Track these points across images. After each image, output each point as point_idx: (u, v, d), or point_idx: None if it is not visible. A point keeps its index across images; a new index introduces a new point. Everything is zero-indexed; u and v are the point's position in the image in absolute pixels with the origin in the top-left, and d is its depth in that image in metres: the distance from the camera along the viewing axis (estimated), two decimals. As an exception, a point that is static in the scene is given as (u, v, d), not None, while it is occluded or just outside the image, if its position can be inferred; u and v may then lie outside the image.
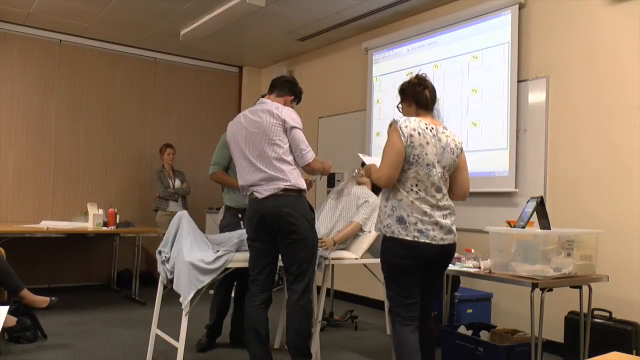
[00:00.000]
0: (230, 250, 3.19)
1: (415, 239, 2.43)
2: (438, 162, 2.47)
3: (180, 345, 3.04)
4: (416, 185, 2.45)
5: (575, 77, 3.92)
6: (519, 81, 4.23)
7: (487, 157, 4.41)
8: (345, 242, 3.71)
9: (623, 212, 3.58)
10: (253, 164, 2.89)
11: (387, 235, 2.49)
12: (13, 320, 3.64)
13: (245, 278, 3.82)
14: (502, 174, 4.31)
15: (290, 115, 2.92)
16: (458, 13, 4.72)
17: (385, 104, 5.42)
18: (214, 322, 3.81)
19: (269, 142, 2.87)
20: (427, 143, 2.44)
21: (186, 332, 3.05)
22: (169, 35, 6.03)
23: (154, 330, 3.40)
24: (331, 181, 5.99)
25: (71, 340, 3.91)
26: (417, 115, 2.54)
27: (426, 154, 2.43)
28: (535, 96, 4.16)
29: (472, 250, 3.33)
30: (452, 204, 2.56)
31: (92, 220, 5.23)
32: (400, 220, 2.45)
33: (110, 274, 6.29)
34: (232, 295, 3.86)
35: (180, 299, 3.01)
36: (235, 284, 3.78)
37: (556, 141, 4.01)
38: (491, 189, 4.34)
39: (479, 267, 3.06)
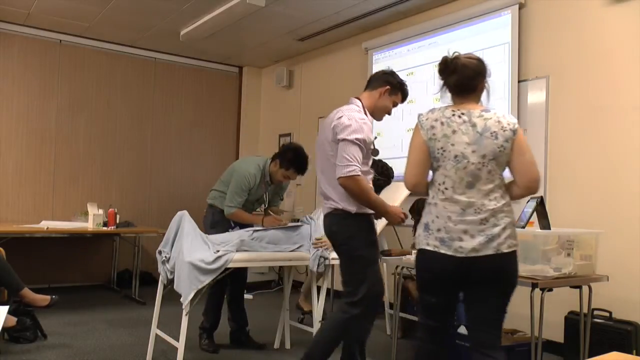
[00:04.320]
0: (231, 250, 3.19)
1: (435, 249, 2.09)
2: (473, 151, 2.08)
3: (180, 345, 3.04)
4: (443, 183, 2.12)
5: (575, 77, 3.92)
6: (519, 81, 4.23)
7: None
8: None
9: (623, 212, 3.57)
10: (319, 178, 2.80)
11: (417, 247, 2.21)
12: (13, 320, 3.64)
13: (239, 279, 3.84)
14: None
15: (345, 124, 2.62)
16: (458, 13, 4.72)
17: (385, 104, 5.41)
18: (212, 323, 3.81)
19: (326, 155, 2.71)
20: (454, 132, 2.10)
21: (186, 332, 3.05)
22: (169, 35, 6.03)
23: (154, 330, 3.40)
24: (331, 181, 5.98)
25: (71, 340, 3.91)
26: (455, 103, 2.19)
27: (452, 145, 2.09)
28: (535, 96, 4.15)
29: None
30: (501, 203, 2.10)
31: (92, 220, 5.24)
32: (426, 227, 2.15)
33: (110, 274, 6.29)
34: (225, 295, 3.86)
35: (181, 299, 3.01)
36: (228, 283, 3.76)
37: (556, 141, 4.01)
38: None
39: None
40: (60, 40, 6.17)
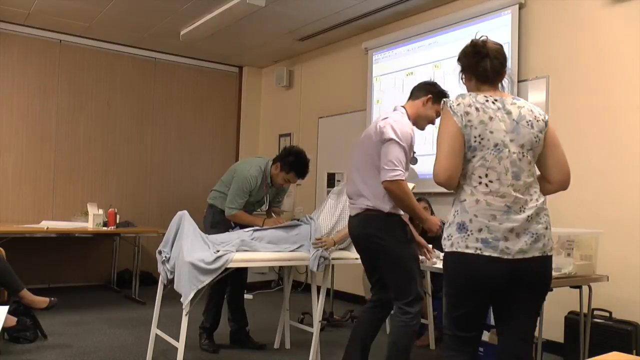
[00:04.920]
0: (231, 250, 3.19)
1: (478, 251, 1.88)
2: (512, 140, 1.92)
3: (180, 345, 3.04)
4: (485, 175, 1.91)
5: (575, 77, 3.92)
6: (519, 81, 4.23)
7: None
8: (345, 242, 3.71)
9: (623, 212, 3.57)
10: (353, 176, 2.80)
11: (447, 250, 1.98)
12: (13, 320, 3.64)
13: (239, 279, 3.85)
14: (502, 174, 4.30)
15: (392, 127, 2.60)
16: (458, 13, 4.72)
17: (385, 104, 5.42)
18: (212, 323, 3.81)
19: (367, 153, 2.71)
20: (491, 118, 1.92)
21: (186, 332, 3.05)
22: (169, 35, 6.03)
23: (154, 330, 3.40)
24: (331, 181, 5.99)
25: (71, 340, 3.91)
26: (479, 90, 2.03)
27: (491, 132, 1.91)
28: (535, 96, 4.15)
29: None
30: (542, 199, 1.99)
31: (92, 220, 5.24)
32: (461, 228, 1.92)
33: (110, 274, 6.29)
34: (225, 295, 3.86)
35: (181, 299, 3.01)
36: (228, 283, 3.77)
37: (556, 141, 4.00)
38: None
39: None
40: (60, 40, 6.17)
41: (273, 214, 3.98)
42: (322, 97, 6.33)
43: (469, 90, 2.09)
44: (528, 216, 1.90)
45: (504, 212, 1.89)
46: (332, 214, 3.73)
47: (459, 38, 4.71)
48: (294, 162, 3.65)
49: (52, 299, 3.89)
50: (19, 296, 3.80)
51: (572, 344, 3.40)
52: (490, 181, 1.91)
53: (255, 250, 3.35)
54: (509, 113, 1.96)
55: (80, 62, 6.29)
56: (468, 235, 1.91)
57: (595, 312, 3.34)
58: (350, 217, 2.88)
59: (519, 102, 2.02)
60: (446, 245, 1.99)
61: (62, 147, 6.17)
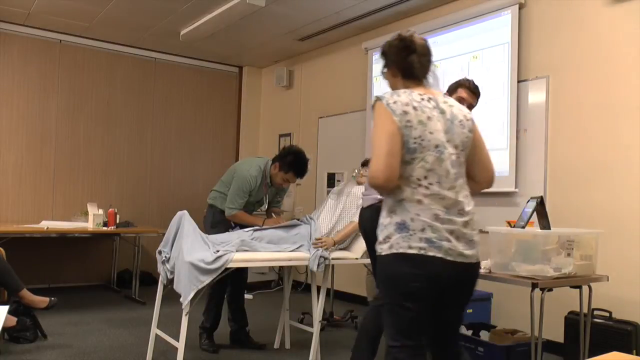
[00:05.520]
0: (231, 250, 3.19)
1: (422, 251, 1.78)
2: (448, 141, 1.86)
3: (180, 345, 3.04)
4: (425, 177, 1.82)
5: (575, 77, 3.92)
6: (519, 81, 4.23)
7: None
8: (345, 242, 3.71)
9: (623, 212, 3.57)
10: None
11: (385, 253, 1.84)
12: (13, 320, 3.64)
13: (239, 279, 3.84)
14: (502, 174, 4.31)
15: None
16: (458, 13, 4.72)
17: (385, 104, 5.41)
18: (213, 323, 3.81)
19: None
20: (429, 118, 1.84)
21: (186, 332, 3.05)
22: (169, 35, 6.03)
23: (154, 330, 3.40)
24: (331, 181, 5.99)
25: (71, 340, 3.91)
26: (405, 87, 1.95)
27: (431, 133, 1.83)
28: (535, 96, 4.15)
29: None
30: (473, 203, 1.93)
31: (92, 220, 5.24)
32: (402, 227, 1.81)
33: (110, 274, 6.29)
34: (225, 295, 3.86)
35: (181, 299, 3.01)
36: (228, 283, 3.77)
37: (556, 141, 4.01)
38: (491, 189, 4.31)
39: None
40: (60, 40, 6.16)
41: (273, 214, 3.98)
42: (322, 97, 6.33)
43: (392, 87, 2.00)
44: (465, 221, 1.85)
45: (445, 213, 1.82)
46: (332, 214, 3.73)
47: (459, 38, 4.71)
48: (293, 161, 3.65)
49: (52, 299, 3.89)
50: (18, 296, 3.80)
51: (572, 344, 3.40)
52: (430, 183, 1.83)
53: (255, 250, 3.35)
54: (442, 112, 1.89)
55: (80, 62, 6.29)
56: (410, 235, 1.80)
57: (595, 312, 3.34)
58: (362, 210, 2.85)
59: (449, 100, 1.97)
60: (383, 248, 1.85)
61: (62, 147, 6.17)
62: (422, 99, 1.87)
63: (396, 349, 1.85)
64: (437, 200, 1.82)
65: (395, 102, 1.83)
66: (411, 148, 1.81)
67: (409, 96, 1.86)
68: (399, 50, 1.98)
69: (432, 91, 1.96)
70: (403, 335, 1.85)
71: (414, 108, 1.84)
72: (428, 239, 1.78)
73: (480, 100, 3.08)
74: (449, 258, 1.79)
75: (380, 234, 1.89)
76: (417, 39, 1.98)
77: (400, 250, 1.80)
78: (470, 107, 2.95)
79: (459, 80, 3.06)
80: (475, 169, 1.97)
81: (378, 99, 1.87)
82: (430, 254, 1.78)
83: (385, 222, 1.87)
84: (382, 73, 2.06)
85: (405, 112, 1.82)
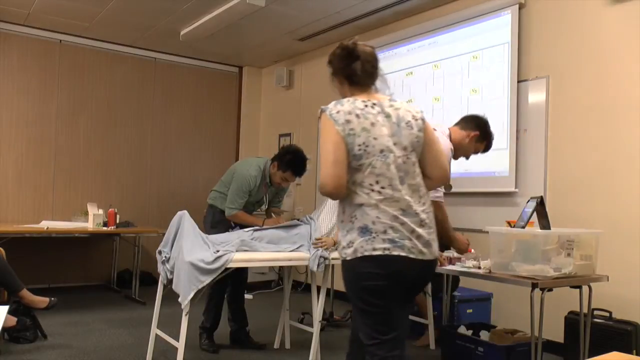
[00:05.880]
0: (230, 250, 3.19)
1: (387, 251, 1.84)
2: (395, 144, 1.91)
3: (180, 345, 3.04)
4: (377, 182, 1.88)
5: (575, 77, 3.92)
6: (519, 81, 4.23)
7: (487, 157, 4.38)
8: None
9: (623, 212, 3.57)
10: None
11: (350, 258, 1.89)
12: (13, 320, 3.64)
13: (239, 279, 3.84)
14: (502, 174, 4.31)
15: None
16: (458, 13, 4.72)
17: (385, 104, 5.42)
18: (213, 323, 3.81)
19: None
20: (373, 124, 1.89)
21: (186, 332, 3.05)
22: (169, 35, 6.03)
23: (154, 330, 3.40)
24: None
25: (71, 340, 3.91)
26: (352, 95, 2.00)
27: (375, 138, 1.88)
28: (535, 96, 4.15)
29: (472, 250, 3.33)
30: (429, 202, 1.98)
31: (92, 220, 5.24)
32: (364, 231, 1.86)
33: (110, 274, 6.29)
34: (225, 296, 3.86)
35: (180, 299, 3.01)
36: (229, 283, 3.77)
37: (556, 141, 4.01)
38: (491, 189, 4.34)
39: (479, 267, 3.05)
40: (60, 40, 6.16)
41: (273, 214, 3.98)
42: (322, 97, 6.30)
43: (341, 94, 2.05)
44: (421, 220, 1.90)
45: (402, 215, 1.88)
46: (332, 214, 3.73)
47: (459, 38, 4.71)
48: (291, 160, 3.65)
49: (52, 299, 3.89)
50: (18, 296, 3.80)
51: (572, 344, 3.40)
52: (383, 187, 1.88)
53: (255, 250, 3.35)
54: (388, 116, 1.93)
55: (80, 62, 6.29)
56: (374, 237, 1.85)
57: (595, 312, 3.34)
58: None
59: (395, 103, 2.00)
60: (348, 253, 1.89)
61: (62, 147, 6.17)
62: (366, 106, 1.93)
63: (374, 347, 1.90)
64: (392, 203, 1.87)
65: (338, 112, 1.89)
66: (357, 155, 1.87)
67: (352, 105, 1.92)
68: (342, 59, 2.02)
69: (378, 96, 2.00)
70: (378, 333, 1.90)
71: (357, 116, 1.89)
72: (391, 239, 1.84)
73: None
74: (412, 256, 1.86)
75: (343, 240, 1.93)
76: (361, 47, 2.02)
77: (366, 253, 1.85)
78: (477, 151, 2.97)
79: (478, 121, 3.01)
80: (428, 166, 2.01)
81: (322, 110, 1.93)
82: (395, 253, 1.84)
83: (347, 227, 1.92)
84: (331, 82, 2.09)
85: (348, 121, 1.88)
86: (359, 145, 1.87)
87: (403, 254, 1.85)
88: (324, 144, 1.89)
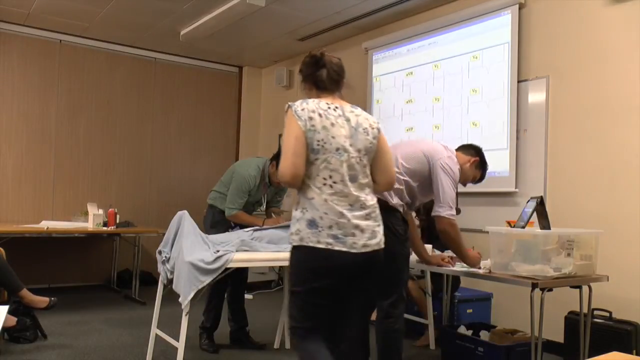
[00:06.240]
0: (231, 250, 3.19)
1: (329, 246, 2.02)
2: (351, 145, 2.09)
3: (180, 345, 3.04)
4: (330, 177, 2.05)
5: (575, 77, 3.92)
6: (519, 81, 4.23)
7: (487, 157, 4.37)
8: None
9: (623, 212, 3.57)
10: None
11: (295, 244, 2.09)
12: (13, 320, 3.64)
13: (239, 279, 3.84)
14: (502, 174, 4.31)
15: (452, 164, 2.84)
16: (458, 13, 4.72)
17: (385, 104, 5.42)
18: (213, 323, 3.81)
19: (409, 153, 2.87)
20: (333, 124, 2.07)
21: (186, 332, 3.05)
22: (169, 35, 6.03)
23: (154, 330, 3.40)
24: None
25: (71, 340, 3.91)
26: (319, 98, 2.19)
27: (333, 137, 2.06)
28: (535, 96, 4.15)
29: (472, 248, 3.34)
30: (375, 199, 2.18)
31: (92, 220, 5.24)
32: (312, 224, 2.04)
33: (110, 274, 6.29)
34: (225, 296, 3.86)
35: (180, 299, 3.01)
36: (229, 283, 3.76)
37: (556, 141, 4.01)
38: (491, 189, 4.34)
39: (479, 267, 3.06)
40: (60, 40, 6.16)
41: (273, 214, 3.98)
42: (322, 97, 6.32)
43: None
44: (367, 214, 2.10)
45: (348, 211, 2.05)
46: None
47: (459, 38, 4.71)
48: None
49: (52, 299, 3.89)
50: (18, 296, 3.80)
51: (572, 344, 3.40)
52: (335, 182, 2.06)
53: (255, 250, 3.35)
54: (348, 120, 2.13)
55: (80, 62, 6.29)
56: (319, 231, 2.02)
57: (595, 312, 3.34)
58: None
59: (356, 110, 2.19)
60: (295, 239, 2.08)
61: (62, 147, 6.17)
62: (329, 107, 2.11)
63: (297, 330, 2.11)
64: (341, 198, 2.06)
65: (302, 109, 2.07)
66: (315, 149, 2.05)
67: (316, 104, 2.10)
68: (309, 66, 2.21)
69: (341, 101, 2.20)
70: (304, 318, 2.09)
71: (319, 115, 2.07)
72: (334, 235, 2.03)
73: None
74: (353, 251, 2.04)
75: (293, 227, 2.12)
76: (327, 56, 2.22)
77: (310, 244, 2.04)
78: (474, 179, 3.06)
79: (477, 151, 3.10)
80: (377, 173, 2.21)
81: (289, 106, 2.10)
82: (337, 248, 2.02)
83: (298, 217, 2.10)
84: (302, 88, 2.29)
85: (311, 118, 2.05)
86: (318, 141, 2.05)
87: (344, 249, 2.03)
88: (287, 137, 2.06)
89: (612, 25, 3.72)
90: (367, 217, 2.09)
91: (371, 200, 2.14)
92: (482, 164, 3.04)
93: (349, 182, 2.07)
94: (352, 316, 2.23)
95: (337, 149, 2.07)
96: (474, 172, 3.00)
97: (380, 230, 2.15)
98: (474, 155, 3.00)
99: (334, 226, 2.03)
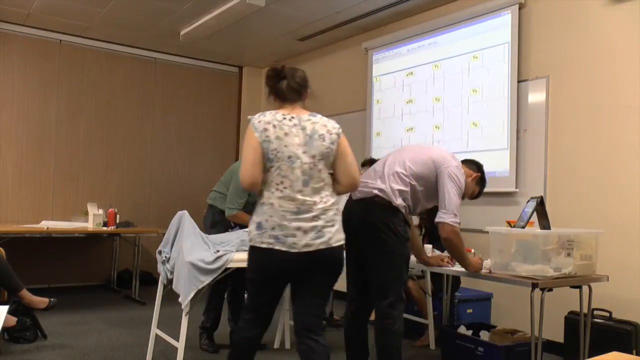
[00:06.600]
0: (231, 250, 3.19)
1: (270, 246, 2.22)
2: (304, 152, 2.25)
3: (180, 345, 3.04)
4: (281, 182, 2.24)
5: (575, 77, 3.92)
6: (519, 81, 4.24)
7: (488, 157, 4.41)
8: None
9: (623, 212, 3.58)
10: (382, 166, 2.94)
11: (249, 244, 2.32)
12: (13, 320, 3.64)
13: (239, 279, 3.84)
14: (503, 174, 4.31)
15: (459, 174, 2.86)
16: (458, 13, 4.72)
17: (385, 104, 5.42)
18: (213, 323, 3.81)
19: (416, 155, 2.89)
20: (286, 134, 2.25)
21: (186, 332, 3.05)
22: (169, 35, 6.03)
23: (154, 330, 3.40)
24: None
25: (71, 340, 3.91)
26: (282, 107, 2.36)
27: (286, 146, 2.23)
28: (535, 96, 4.16)
29: (472, 250, 3.34)
30: (330, 201, 2.30)
31: (92, 220, 5.24)
32: (259, 226, 2.25)
33: (110, 274, 6.29)
34: (225, 295, 3.86)
35: (180, 299, 3.01)
36: (229, 283, 3.76)
37: (556, 141, 4.01)
38: (491, 189, 4.32)
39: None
40: (60, 40, 6.16)
41: None
42: (322, 97, 6.33)
43: (274, 108, 2.40)
44: (314, 216, 2.24)
45: (293, 213, 2.23)
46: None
47: (459, 38, 4.72)
48: None
49: (52, 299, 3.88)
50: (18, 296, 3.80)
51: (572, 344, 3.40)
52: (285, 187, 2.24)
53: (255, 250, 3.34)
54: (303, 129, 2.28)
55: (80, 62, 6.29)
56: (263, 232, 2.24)
57: (595, 312, 3.34)
58: (351, 201, 2.84)
59: (314, 118, 2.33)
60: (248, 238, 2.33)
61: (62, 147, 6.17)
62: (285, 118, 2.29)
63: (251, 310, 2.42)
64: (288, 202, 2.23)
65: (259, 122, 2.27)
66: (270, 158, 2.25)
67: (272, 116, 2.29)
68: (271, 79, 2.38)
69: (301, 111, 2.35)
70: (259, 305, 2.38)
71: (274, 126, 2.26)
72: (275, 236, 2.22)
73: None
74: (293, 250, 2.22)
75: (249, 226, 2.33)
76: (288, 69, 2.38)
77: (256, 245, 2.27)
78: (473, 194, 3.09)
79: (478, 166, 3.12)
80: (339, 174, 2.36)
81: (249, 119, 2.31)
82: (277, 247, 2.22)
83: (252, 218, 2.32)
84: (267, 99, 2.46)
85: (266, 129, 2.25)
86: (272, 150, 2.24)
87: (284, 248, 2.22)
88: (246, 147, 2.27)
89: (612, 25, 3.72)
90: (314, 218, 2.24)
91: (324, 203, 2.27)
92: (482, 181, 3.06)
93: (301, 186, 2.24)
94: (308, 312, 2.38)
95: (289, 157, 2.24)
96: (473, 187, 3.03)
97: (332, 229, 2.28)
98: (475, 170, 3.03)
99: (277, 227, 2.22)
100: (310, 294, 2.37)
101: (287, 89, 2.35)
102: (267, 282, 2.33)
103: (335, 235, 2.30)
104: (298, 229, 2.22)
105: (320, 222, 2.25)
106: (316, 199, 2.26)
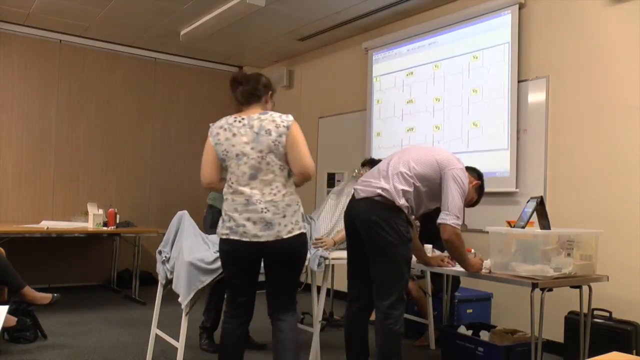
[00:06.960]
0: (230, 250, 3.18)
1: (225, 236, 2.49)
2: (252, 148, 2.44)
3: (180, 345, 3.04)
4: (231, 179, 2.49)
5: (575, 77, 3.92)
6: (519, 81, 4.24)
7: (488, 157, 4.41)
8: (346, 242, 3.70)
9: (623, 212, 3.58)
10: (392, 163, 2.96)
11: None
12: (13, 320, 3.64)
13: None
14: (503, 174, 4.31)
15: (463, 177, 2.86)
16: (458, 13, 4.72)
17: (385, 104, 5.42)
18: (213, 323, 3.81)
19: (420, 156, 2.87)
20: (234, 135, 2.47)
21: (186, 332, 3.05)
22: (169, 35, 6.03)
23: (154, 330, 3.40)
24: (331, 181, 5.99)
25: (71, 340, 3.91)
26: (240, 111, 2.58)
27: (233, 145, 2.46)
28: (535, 96, 4.16)
29: (472, 250, 3.34)
30: (282, 192, 2.45)
31: (92, 220, 5.24)
32: (221, 219, 2.54)
33: (110, 274, 6.29)
34: (225, 295, 3.86)
35: (180, 299, 3.01)
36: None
37: (556, 141, 4.01)
38: (491, 189, 4.32)
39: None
40: (60, 40, 6.16)
41: None
42: (322, 97, 6.33)
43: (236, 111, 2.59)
44: (262, 208, 2.41)
45: (243, 205, 2.43)
46: (332, 214, 3.73)
47: (459, 38, 4.72)
48: None
49: (55, 295, 3.89)
50: (21, 293, 3.80)
51: (572, 344, 3.40)
52: (232, 182, 2.47)
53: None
54: (251, 127, 2.46)
55: (80, 62, 6.29)
56: (223, 224, 2.50)
57: (595, 312, 3.34)
58: (354, 201, 2.85)
59: (263, 115, 2.49)
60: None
61: (62, 147, 6.17)
62: (235, 121, 2.51)
63: (230, 298, 2.65)
64: (238, 195, 2.46)
65: (214, 127, 2.55)
66: (222, 158, 2.51)
67: (225, 121, 2.54)
68: (231, 86, 2.63)
69: (250, 112, 2.53)
70: (232, 291, 2.62)
71: (224, 129, 2.50)
72: (230, 227, 2.46)
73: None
74: (244, 239, 2.43)
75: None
76: (243, 75, 2.65)
77: (219, 235, 2.54)
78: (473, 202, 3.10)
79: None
80: (291, 164, 2.48)
81: (209, 126, 2.58)
82: (232, 237, 2.46)
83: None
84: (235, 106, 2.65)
85: (218, 134, 2.52)
86: (223, 151, 2.49)
87: (236, 238, 2.44)
88: (204, 151, 2.56)
89: (612, 25, 3.72)
90: (263, 210, 2.41)
91: (273, 195, 2.43)
92: (481, 189, 3.07)
93: (247, 180, 2.44)
94: (275, 295, 2.61)
95: (237, 155, 2.45)
96: (472, 194, 3.02)
97: (282, 222, 2.42)
98: (476, 178, 3.03)
99: (230, 219, 2.46)
100: (275, 280, 2.57)
101: (241, 93, 2.57)
102: (230, 268, 2.55)
103: (286, 227, 2.44)
104: (248, 219, 2.42)
105: (268, 214, 2.41)
106: (265, 191, 2.43)
